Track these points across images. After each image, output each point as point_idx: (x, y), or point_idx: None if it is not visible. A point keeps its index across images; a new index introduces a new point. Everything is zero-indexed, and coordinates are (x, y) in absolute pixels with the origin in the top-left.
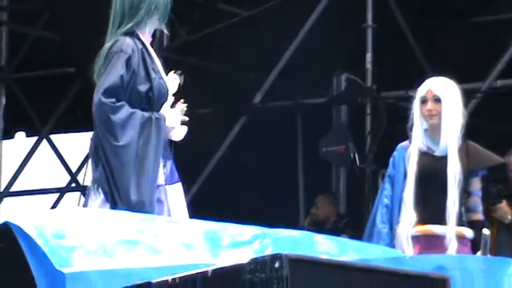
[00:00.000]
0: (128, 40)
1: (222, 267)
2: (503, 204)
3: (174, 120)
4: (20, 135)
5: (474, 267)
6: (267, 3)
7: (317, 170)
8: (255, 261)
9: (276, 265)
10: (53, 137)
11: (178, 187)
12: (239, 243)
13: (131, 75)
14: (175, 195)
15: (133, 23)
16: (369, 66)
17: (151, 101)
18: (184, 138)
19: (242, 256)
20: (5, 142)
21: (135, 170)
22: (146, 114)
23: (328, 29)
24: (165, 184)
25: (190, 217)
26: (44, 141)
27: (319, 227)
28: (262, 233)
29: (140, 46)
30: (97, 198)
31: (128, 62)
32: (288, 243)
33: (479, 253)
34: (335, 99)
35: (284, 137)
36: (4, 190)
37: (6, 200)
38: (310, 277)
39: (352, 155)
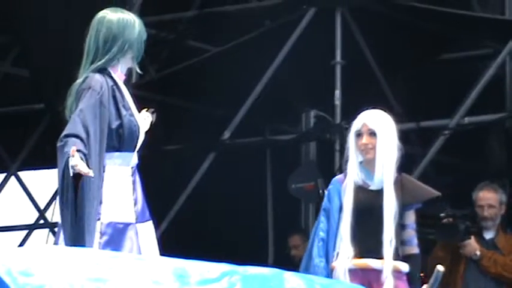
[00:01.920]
0: (97, 77)
1: None
2: (472, 241)
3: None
4: None
5: None
6: (236, 40)
7: (286, 206)
8: None
9: None
10: (21, 173)
11: (149, 225)
12: (207, 280)
13: (103, 111)
14: (146, 234)
15: (106, 60)
16: (337, 102)
17: (122, 138)
18: (154, 174)
19: None
20: None
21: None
22: (66, 149)
23: (297, 65)
24: (136, 222)
25: (160, 254)
26: (13, 177)
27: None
28: (231, 270)
29: (111, 83)
30: None
31: (99, 98)
32: (257, 280)
33: (425, 287)
34: (304, 136)
35: (253, 173)
36: None
37: None
38: None
39: (321, 192)
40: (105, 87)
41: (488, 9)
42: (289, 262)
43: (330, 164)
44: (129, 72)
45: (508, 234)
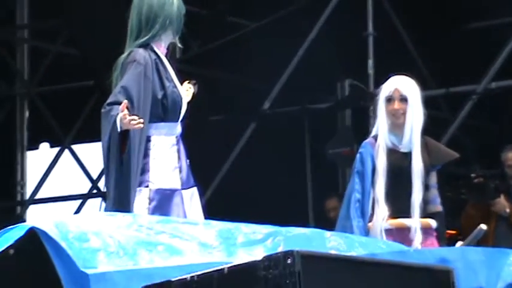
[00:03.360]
0: (141, 51)
1: (238, 265)
2: (501, 199)
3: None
4: (44, 146)
5: (475, 259)
6: (273, 15)
7: (324, 171)
8: (268, 258)
9: (289, 261)
10: (74, 146)
11: (194, 191)
12: (253, 241)
13: (146, 83)
14: (191, 199)
15: (149, 36)
16: (370, 71)
17: (166, 108)
18: (199, 144)
19: (256, 254)
20: (30, 153)
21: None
22: (112, 113)
23: (331, 37)
24: (181, 189)
25: (205, 218)
26: (67, 151)
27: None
28: (275, 231)
29: (154, 57)
30: None
31: (143, 70)
32: (300, 240)
33: (461, 243)
34: (339, 104)
35: (292, 140)
36: (30, 198)
37: (32, 207)
38: (321, 272)
39: None
40: (149, 61)
41: None
42: (328, 223)
43: (365, 130)
44: (173, 48)
45: None
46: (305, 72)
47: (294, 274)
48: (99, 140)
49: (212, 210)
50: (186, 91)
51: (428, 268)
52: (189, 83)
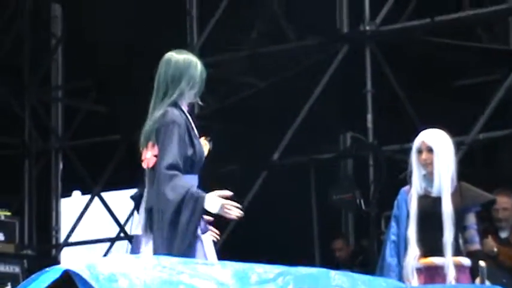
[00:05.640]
0: (176, 111)
1: None
2: (489, 240)
3: (214, 206)
4: (76, 193)
5: None
6: (281, 75)
7: (329, 215)
8: None
9: None
10: (103, 194)
11: (209, 235)
12: (265, 280)
13: (182, 143)
14: (207, 242)
15: (177, 94)
16: (369, 125)
17: (194, 163)
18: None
19: None
20: (64, 200)
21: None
22: (193, 190)
23: (334, 94)
24: (201, 234)
25: (221, 259)
26: (96, 198)
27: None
28: (285, 271)
29: (184, 117)
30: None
31: (180, 132)
32: (307, 279)
33: (478, 280)
34: (342, 154)
35: (299, 187)
36: (64, 241)
37: (65, 249)
38: None
39: (358, 201)
40: (182, 121)
41: (494, 38)
42: (334, 263)
43: (365, 177)
44: (192, 105)
45: None
46: (310, 125)
47: None
48: (126, 188)
49: (228, 252)
50: (203, 146)
51: None
52: (205, 138)
